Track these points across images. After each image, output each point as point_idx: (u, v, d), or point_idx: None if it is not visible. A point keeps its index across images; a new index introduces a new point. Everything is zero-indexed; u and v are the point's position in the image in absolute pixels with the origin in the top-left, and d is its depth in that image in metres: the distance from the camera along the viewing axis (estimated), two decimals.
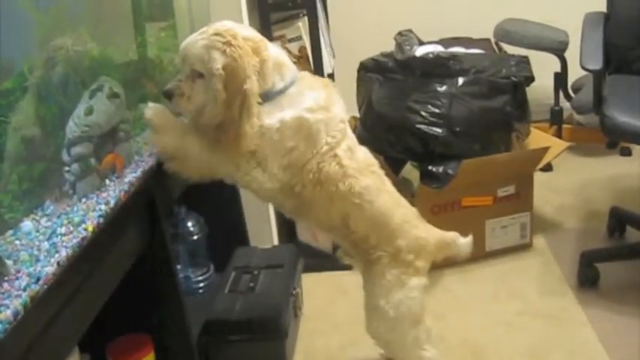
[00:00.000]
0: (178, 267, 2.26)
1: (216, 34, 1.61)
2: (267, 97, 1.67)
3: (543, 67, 3.49)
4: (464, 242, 1.99)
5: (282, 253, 2.50)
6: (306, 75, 1.79)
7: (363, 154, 1.84)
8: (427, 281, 1.89)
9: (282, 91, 1.70)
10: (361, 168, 1.79)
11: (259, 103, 1.64)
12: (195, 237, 2.31)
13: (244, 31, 1.68)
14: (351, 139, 1.82)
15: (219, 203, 2.36)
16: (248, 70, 1.59)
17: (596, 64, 2.51)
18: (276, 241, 2.85)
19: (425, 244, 1.86)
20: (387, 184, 1.88)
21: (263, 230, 2.78)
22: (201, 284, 2.34)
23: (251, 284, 2.25)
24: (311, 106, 1.71)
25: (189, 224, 2.30)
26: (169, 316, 1.78)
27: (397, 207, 1.85)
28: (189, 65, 1.64)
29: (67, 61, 1.43)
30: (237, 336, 2.07)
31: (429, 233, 1.90)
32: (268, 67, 1.66)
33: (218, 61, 1.58)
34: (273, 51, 1.71)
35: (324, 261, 2.87)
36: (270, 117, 1.67)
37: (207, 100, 1.63)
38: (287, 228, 2.91)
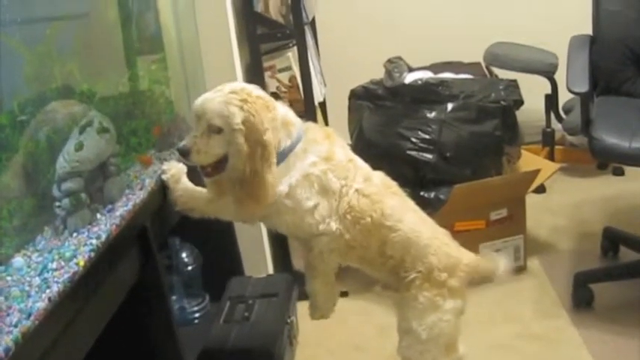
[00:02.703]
0: (173, 298, 2.26)
1: (233, 92, 1.69)
2: (276, 158, 1.72)
3: (534, 89, 3.52)
4: (502, 265, 1.97)
5: (276, 282, 2.50)
6: (311, 127, 1.83)
7: (380, 178, 1.87)
8: (463, 304, 1.87)
9: (288, 151, 1.74)
10: (382, 191, 1.83)
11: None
12: (189, 267, 2.31)
13: (255, 90, 1.75)
14: (364, 168, 1.86)
15: (213, 233, 2.36)
16: (266, 124, 1.67)
17: (583, 86, 2.53)
18: (271, 270, 2.85)
19: (457, 262, 1.86)
20: (411, 203, 1.92)
21: (258, 259, 2.78)
22: (197, 314, 2.34)
23: (246, 314, 2.26)
24: (314, 161, 1.76)
25: (184, 255, 2.31)
26: (163, 348, 1.78)
27: (424, 224, 1.89)
28: (207, 121, 1.68)
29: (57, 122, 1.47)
30: None
31: (460, 252, 1.91)
32: (276, 126, 1.73)
33: (237, 116, 1.66)
34: (281, 110, 1.77)
35: None
36: (281, 182, 1.72)
37: (230, 154, 1.69)
38: (281, 257, 2.92)
